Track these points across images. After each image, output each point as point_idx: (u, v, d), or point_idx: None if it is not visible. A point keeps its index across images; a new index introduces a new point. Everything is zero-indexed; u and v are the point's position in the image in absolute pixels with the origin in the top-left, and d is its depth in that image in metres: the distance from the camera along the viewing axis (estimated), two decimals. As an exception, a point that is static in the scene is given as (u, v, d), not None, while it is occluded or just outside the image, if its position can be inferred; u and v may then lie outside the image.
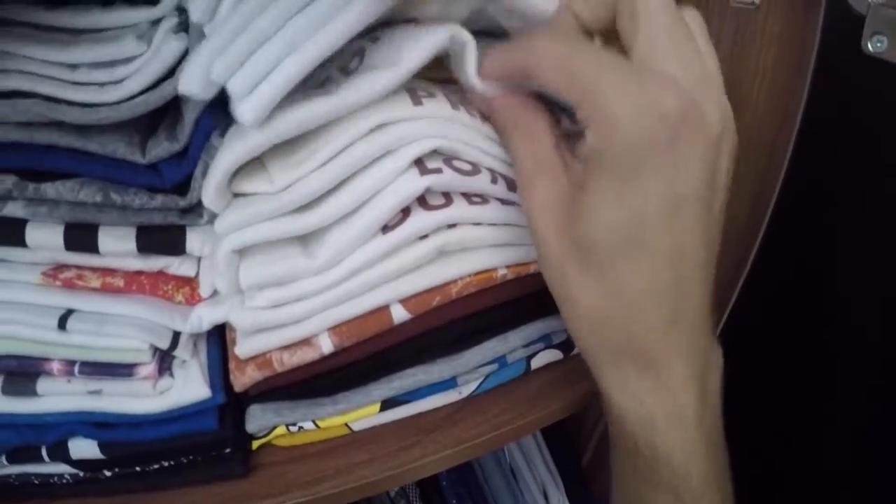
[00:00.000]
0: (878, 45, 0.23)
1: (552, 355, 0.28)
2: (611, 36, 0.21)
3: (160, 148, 0.22)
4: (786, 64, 0.27)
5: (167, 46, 0.21)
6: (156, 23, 0.23)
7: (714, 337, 0.22)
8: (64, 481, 0.27)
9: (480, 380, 0.26)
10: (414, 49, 0.20)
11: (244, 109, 0.19)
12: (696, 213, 0.19)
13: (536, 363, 0.27)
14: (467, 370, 0.25)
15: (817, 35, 0.25)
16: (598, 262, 0.19)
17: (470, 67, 0.21)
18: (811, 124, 0.27)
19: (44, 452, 0.26)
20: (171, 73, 0.22)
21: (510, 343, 0.25)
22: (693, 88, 0.18)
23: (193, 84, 0.19)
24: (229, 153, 0.20)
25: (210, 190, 0.21)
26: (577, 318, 0.20)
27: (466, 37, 0.21)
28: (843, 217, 0.29)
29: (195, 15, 0.20)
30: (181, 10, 0.23)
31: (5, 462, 0.26)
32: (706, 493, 0.21)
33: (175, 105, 0.23)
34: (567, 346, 0.28)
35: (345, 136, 0.20)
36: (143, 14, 0.23)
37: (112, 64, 0.22)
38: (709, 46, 0.21)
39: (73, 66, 0.22)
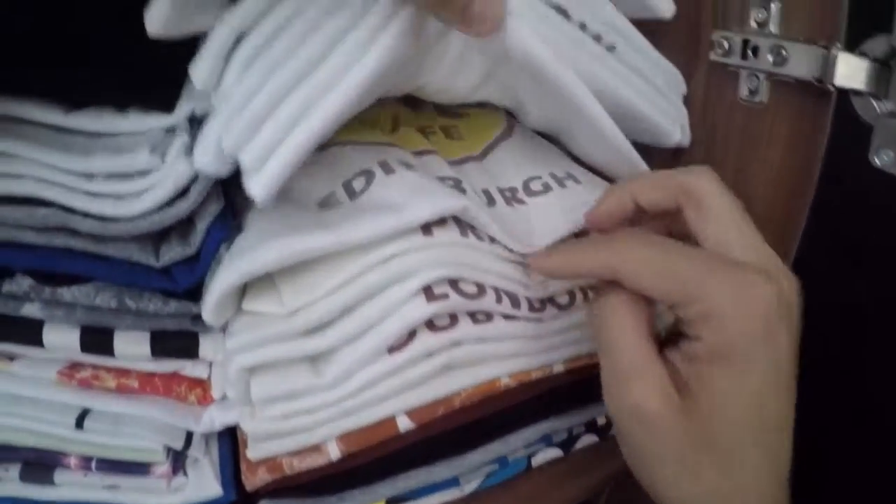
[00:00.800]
0: (886, 158, 0.24)
1: (552, 453, 0.29)
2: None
3: (173, 252, 0.24)
4: (793, 166, 0.28)
5: (180, 168, 0.22)
6: (169, 130, 0.25)
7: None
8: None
9: (482, 478, 0.28)
10: (424, 201, 0.21)
11: (254, 186, 0.20)
12: (790, 371, 0.20)
13: (537, 461, 0.29)
14: (470, 470, 0.27)
15: (824, 140, 0.26)
16: (721, 453, 0.20)
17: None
18: (816, 228, 0.28)
19: (56, 536, 0.28)
20: (184, 192, 0.23)
21: (511, 445, 0.27)
22: (770, 269, 0.20)
23: (207, 160, 0.21)
24: (226, 276, 0.22)
25: (208, 308, 0.22)
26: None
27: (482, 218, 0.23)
28: (843, 317, 0.31)
29: (198, 83, 0.22)
30: (192, 120, 0.25)
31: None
32: None
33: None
34: (567, 444, 0.29)
35: (354, 266, 0.22)
36: (156, 121, 0.24)
37: (127, 176, 0.23)
38: (740, 211, 0.22)
39: (89, 176, 0.23)
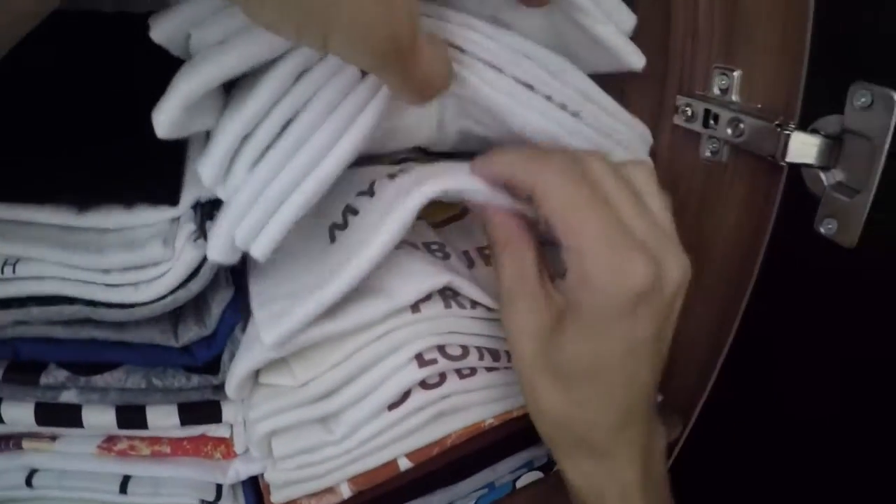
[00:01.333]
0: (829, 227, 0.27)
1: (534, 476, 0.34)
2: None
3: (191, 333, 0.28)
4: (747, 226, 0.31)
5: (189, 254, 0.26)
6: (175, 220, 0.28)
7: (656, 416, 0.27)
8: None
9: (473, 501, 0.33)
10: (410, 285, 0.26)
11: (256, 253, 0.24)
12: (647, 349, 0.24)
13: (521, 483, 0.34)
14: (462, 496, 0.32)
15: (775, 205, 0.29)
16: (563, 382, 0.24)
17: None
18: (765, 285, 0.32)
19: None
20: (194, 274, 0.27)
21: (498, 472, 0.32)
22: (658, 253, 0.23)
23: (219, 253, 0.25)
24: (243, 364, 0.26)
25: (231, 389, 0.27)
26: (542, 418, 0.26)
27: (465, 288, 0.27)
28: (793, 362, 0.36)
29: (206, 181, 0.24)
30: (196, 206, 0.29)
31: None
32: None
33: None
34: (547, 467, 0.35)
35: (354, 343, 0.26)
36: (163, 214, 0.27)
37: (141, 267, 0.26)
38: (659, 199, 0.26)
39: (106, 271, 0.26)
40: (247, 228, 0.24)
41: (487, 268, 0.32)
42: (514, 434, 0.31)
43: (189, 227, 0.27)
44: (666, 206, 0.26)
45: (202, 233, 0.27)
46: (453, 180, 0.24)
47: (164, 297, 0.26)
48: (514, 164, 0.24)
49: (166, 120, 0.22)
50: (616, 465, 0.26)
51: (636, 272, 0.22)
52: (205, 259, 0.27)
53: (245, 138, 0.24)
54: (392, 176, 0.26)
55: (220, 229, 0.24)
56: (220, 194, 0.25)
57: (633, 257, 0.22)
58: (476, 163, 0.25)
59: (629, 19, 0.27)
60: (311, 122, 0.22)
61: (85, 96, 0.28)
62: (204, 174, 0.25)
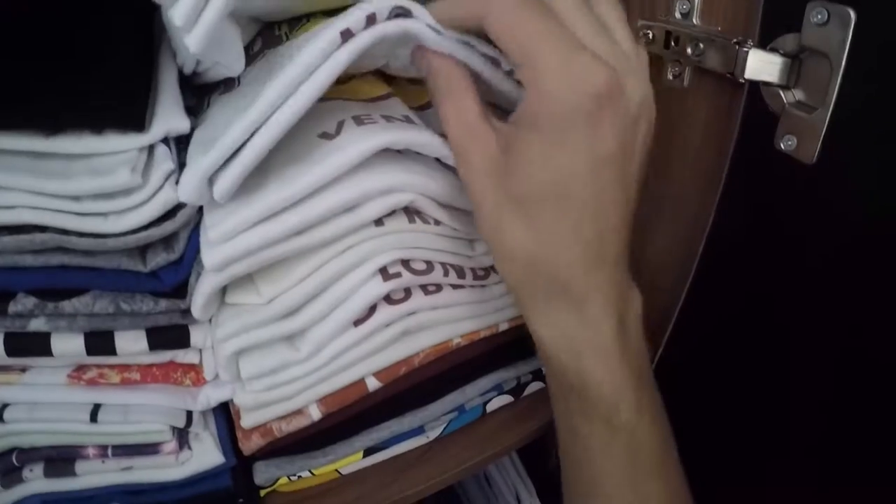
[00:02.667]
0: (789, 143, 0.30)
1: (504, 400, 0.37)
2: None
3: (159, 258, 0.30)
4: (709, 146, 0.34)
5: (167, 195, 0.27)
6: (145, 149, 0.31)
7: (631, 279, 0.28)
8: (99, 536, 0.36)
9: (444, 425, 0.36)
10: (362, 138, 0.27)
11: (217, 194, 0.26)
12: (613, 173, 0.24)
13: (491, 407, 0.37)
14: (433, 419, 0.35)
15: (736, 125, 0.32)
16: (528, 212, 0.24)
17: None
18: (728, 205, 0.34)
19: (82, 517, 0.35)
20: (170, 213, 0.29)
21: (467, 394, 0.35)
22: (619, 67, 0.24)
23: (190, 195, 0.27)
24: (208, 281, 0.28)
25: (197, 309, 0.29)
26: (510, 260, 0.26)
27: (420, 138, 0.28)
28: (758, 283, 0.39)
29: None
30: (171, 142, 0.31)
31: (47, 527, 0.36)
32: (639, 422, 0.27)
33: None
34: (516, 391, 0.37)
35: (318, 258, 0.29)
36: (132, 142, 0.28)
37: (112, 195, 0.29)
38: (623, 27, 0.27)
39: (76, 198, 0.28)
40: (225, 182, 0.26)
41: None
42: (483, 355, 0.34)
43: (167, 165, 0.28)
44: (630, 38, 0.27)
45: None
46: (395, 26, 0.25)
47: (136, 232, 0.28)
48: (459, 6, 0.25)
49: (202, 32, 0.23)
50: (590, 313, 0.26)
51: (593, 75, 0.23)
52: (181, 203, 0.28)
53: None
54: None
55: (193, 173, 0.26)
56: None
57: (589, 63, 0.23)
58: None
59: None
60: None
61: (52, 21, 0.30)
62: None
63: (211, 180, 0.26)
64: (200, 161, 0.26)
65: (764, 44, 0.30)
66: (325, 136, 0.28)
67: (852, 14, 0.26)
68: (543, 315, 0.27)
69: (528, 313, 0.27)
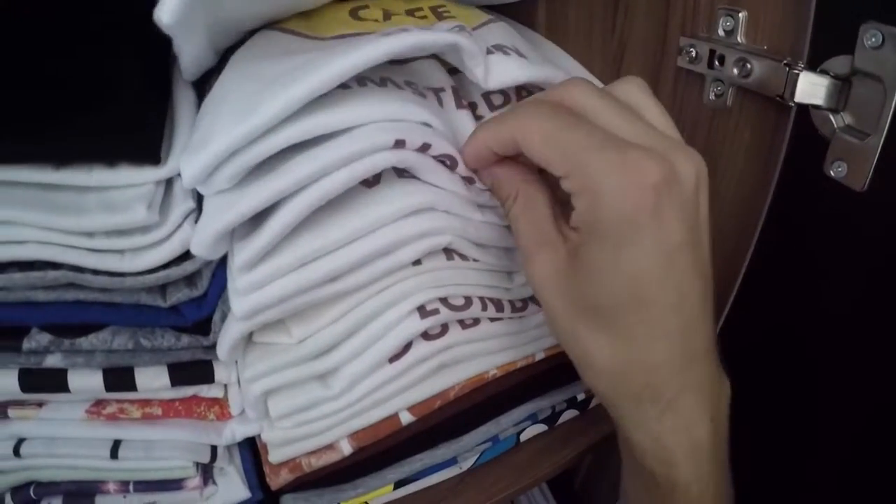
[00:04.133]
0: (839, 170, 0.31)
1: (538, 429, 0.39)
2: None
3: (181, 293, 0.31)
4: (753, 170, 0.35)
5: (186, 234, 0.28)
6: (161, 183, 0.31)
7: (721, 367, 0.28)
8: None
9: (477, 455, 0.38)
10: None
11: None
12: (687, 260, 0.24)
13: (525, 436, 0.39)
14: (466, 450, 0.36)
15: (783, 148, 0.33)
16: (605, 321, 0.25)
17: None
18: (772, 232, 0.35)
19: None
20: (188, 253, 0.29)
21: (502, 424, 0.36)
22: (661, 149, 0.24)
23: (205, 252, 0.28)
24: (235, 329, 0.29)
25: (223, 352, 0.30)
26: (595, 374, 0.27)
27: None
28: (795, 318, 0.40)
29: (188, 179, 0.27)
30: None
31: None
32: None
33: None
34: (551, 419, 0.39)
35: (353, 300, 0.30)
36: (148, 175, 0.29)
37: (127, 232, 0.29)
38: (657, 108, 0.27)
39: (90, 234, 0.29)
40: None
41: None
42: (518, 385, 0.36)
43: (187, 204, 0.29)
44: (664, 113, 0.27)
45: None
46: (442, 147, 0.28)
47: (155, 271, 0.29)
48: (489, 131, 0.27)
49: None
50: (683, 416, 0.27)
51: (645, 167, 0.23)
52: None
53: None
54: None
55: (207, 227, 0.27)
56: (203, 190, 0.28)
57: (638, 158, 0.23)
58: (462, 151, 0.29)
59: None
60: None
61: (61, 48, 0.30)
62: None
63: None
64: (220, 217, 0.26)
65: (813, 65, 0.31)
66: (364, 182, 0.28)
67: None
68: (634, 420, 0.28)
69: (619, 419, 0.28)
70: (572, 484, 0.58)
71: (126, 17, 0.29)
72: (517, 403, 0.37)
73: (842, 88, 0.30)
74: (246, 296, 0.28)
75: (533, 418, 0.38)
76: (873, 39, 0.27)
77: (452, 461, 0.37)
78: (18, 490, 0.35)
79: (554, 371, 0.37)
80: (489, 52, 0.31)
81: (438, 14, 0.35)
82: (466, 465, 0.38)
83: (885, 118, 0.28)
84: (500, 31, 0.34)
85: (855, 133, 0.30)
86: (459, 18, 0.35)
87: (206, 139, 0.25)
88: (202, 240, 0.27)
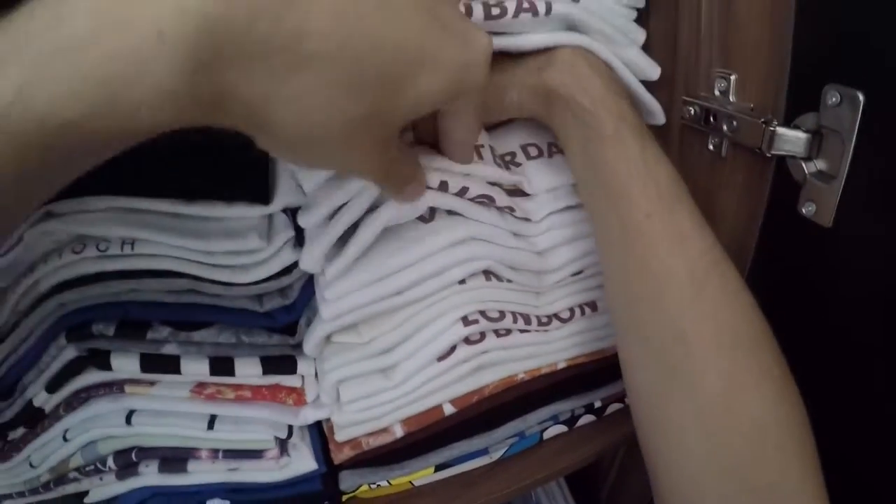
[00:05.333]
0: (810, 209, 0.40)
1: (559, 429, 0.49)
2: None
3: (275, 302, 0.42)
4: (745, 210, 0.45)
5: (287, 256, 0.40)
6: (265, 217, 0.42)
7: None
8: (198, 528, 0.49)
9: (506, 448, 0.48)
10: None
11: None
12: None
13: (547, 435, 0.49)
14: (497, 442, 0.47)
15: (767, 190, 0.43)
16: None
17: None
18: (759, 265, 0.45)
19: (186, 509, 0.48)
20: (288, 270, 0.41)
21: (528, 422, 0.47)
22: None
23: (312, 267, 0.40)
24: (321, 329, 0.41)
25: (309, 347, 0.41)
26: None
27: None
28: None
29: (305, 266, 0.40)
30: (289, 212, 0.42)
31: (153, 518, 0.49)
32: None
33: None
34: (570, 422, 0.49)
35: (411, 309, 0.41)
36: (257, 211, 0.41)
37: (239, 253, 0.40)
38: None
39: (210, 253, 0.40)
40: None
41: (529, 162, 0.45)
42: (543, 389, 0.46)
43: (288, 232, 0.41)
44: None
45: (299, 240, 0.41)
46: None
47: (258, 283, 0.40)
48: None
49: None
50: None
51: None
52: (296, 262, 0.41)
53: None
54: None
55: (314, 249, 0.39)
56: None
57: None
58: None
59: (641, 35, 0.41)
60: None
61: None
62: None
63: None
64: (320, 240, 0.38)
65: (790, 118, 0.40)
66: (422, 219, 0.40)
67: (861, 97, 0.35)
68: None
69: None
70: (597, 498, 0.67)
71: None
72: (541, 405, 0.47)
73: (814, 140, 0.39)
74: (332, 303, 0.39)
75: (555, 419, 0.48)
76: (833, 99, 0.37)
77: (484, 451, 0.47)
78: (121, 453, 0.45)
79: (574, 379, 0.47)
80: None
81: None
82: (496, 455, 0.48)
83: (844, 165, 0.37)
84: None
85: (823, 177, 0.39)
86: None
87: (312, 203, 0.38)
88: (311, 256, 0.38)
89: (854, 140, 0.37)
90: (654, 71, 0.44)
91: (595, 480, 0.71)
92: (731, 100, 0.44)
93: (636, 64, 0.43)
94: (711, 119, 0.45)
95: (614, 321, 0.41)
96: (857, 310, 0.42)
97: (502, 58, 0.40)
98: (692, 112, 0.46)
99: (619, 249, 0.39)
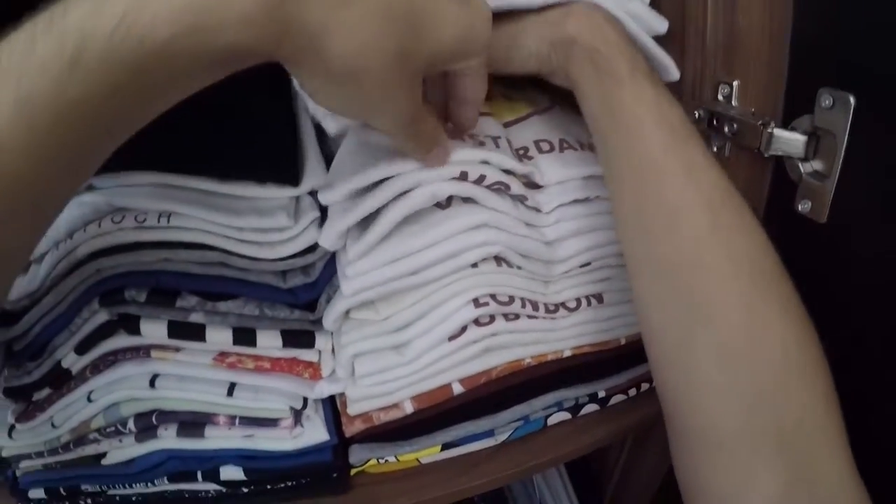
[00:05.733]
0: (805, 206, 0.44)
1: (563, 416, 0.52)
2: None
3: (297, 279, 0.46)
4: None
5: (311, 235, 0.43)
6: (293, 198, 0.45)
7: None
8: (209, 495, 0.52)
9: (510, 431, 0.51)
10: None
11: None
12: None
13: (551, 421, 0.52)
14: (502, 425, 0.50)
15: (765, 190, 0.47)
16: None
17: None
18: None
19: (199, 475, 0.51)
20: (312, 248, 0.45)
21: (533, 407, 0.50)
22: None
23: (331, 245, 0.43)
24: (341, 304, 0.44)
25: (330, 321, 0.45)
26: None
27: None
28: None
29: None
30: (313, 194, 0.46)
31: (166, 482, 0.52)
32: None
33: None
34: (574, 409, 0.52)
35: (427, 289, 0.44)
36: (286, 192, 0.44)
37: (268, 230, 0.44)
38: None
39: (241, 229, 0.43)
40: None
41: (541, 156, 0.48)
42: (548, 376, 0.49)
43: (314, 213, 0.45)
44: None
45: (324, 221, 0.45)
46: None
47: (283, 260, 0.44)
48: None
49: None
50: None
51: None
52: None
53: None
54: None
55: (328, 229, 0.43)
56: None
57: None
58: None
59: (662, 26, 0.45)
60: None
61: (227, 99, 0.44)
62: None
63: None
64: (340, 221, 0.42)
65: (788, 121, 0.44)
66: (439, 205, 0.43)
67: (852, 99, 0.39)
68: None
69: None
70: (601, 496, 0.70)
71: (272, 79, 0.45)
72: (547, 391, 0.50)
73: (810, 141, 0.43)
74: (353, 279, 0.43)
75: (559, 406, 0.52)
76: (827, 102, 0.41)
77: (490, 433, 0.51)
78: (142, 416, 0.49)
79: (579, 368, 0.50)
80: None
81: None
82: (501, 438, 0.51)
83: (836, 164, 0.41)
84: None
85: (818, 176, 0.43)
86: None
87: (333, 182, 0.42)
88: (330, 235, 0.42)
89: (846, 140, 0.41)
90: (661, 25, 0.48)
91: (599, 482, 0.74)
92: (733, 104, 0.48)
93: (643, 18, 0.46)
94: (715, 122, 0.49)
95: (629, 263, 0.42)
96: (852, 298, 0.45)
97: (521, 14, 0.44)
98: (697, 116, 0.50)
99: (633, 185, 0.41)
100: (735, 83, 0.48)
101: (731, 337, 0.37)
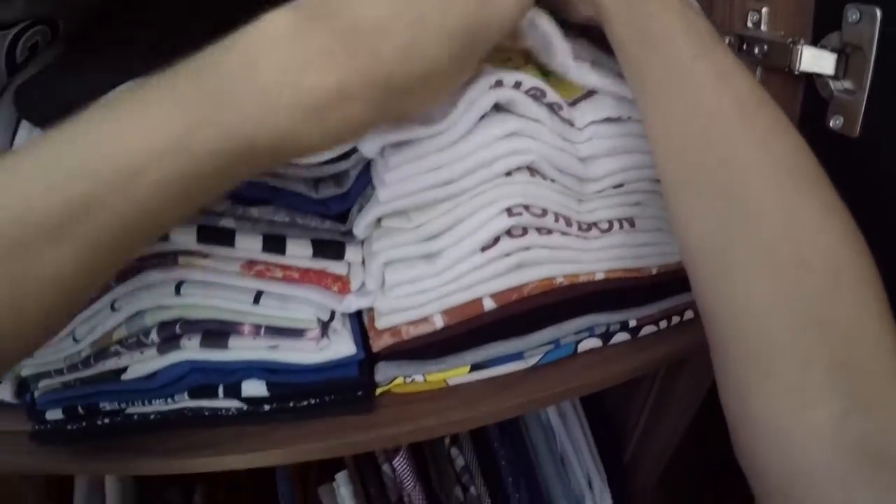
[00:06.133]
0: (837, 122, 0.46)
1: (593, 343, 0.52)
2: None
3: (329, 190, 0.46)
4: None
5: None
6: None
7: None
8: (230, 413, 0.53)
9: (540, 355, 0.51)
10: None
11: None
12: None
13: (582, 347, 0.52)
14: (532, 347, 0.50)
15: (797, 110, 0.48)
16: None
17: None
18: None
19: (220, 391, 0.52)
20: (347, 155, 0.45)
21: (564, 330, 0.50)
22: None
23: (370, 153, 0.44)
24: (375, 210, 0.45)
25: (361, 228, 0.45)
26: None
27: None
28: None
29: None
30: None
31: (186, 397, 0.53)
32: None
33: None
34: (605, 337, 0.52)
35: (460, 198, 0.45)
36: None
37: None
38: None
39: None
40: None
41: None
42: (580, 297, 0.49)
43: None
44: None
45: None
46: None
47: (318, 166, 0.45)
48: None
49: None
50: None
51: None
52: (354, 148, 0.45)
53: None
54: None
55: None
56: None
57: None
58: None
59: None
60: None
61: None
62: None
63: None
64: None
65: (814, 42, 0.46)
66: None
67: (878, 12, 0.41)
68: None
69: None
70: (621, 460, 0.70)
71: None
72: (578, 314, 0.50)
73: (840, 59, 0.45)
74: (391, 186, 0.43)
75: (590, 331, 0.52)
76: (854, 17, 0.42)
77: (520, 356, 0.51)
78: (166, 325, 0.49)
79: (611, 293, 0.50)
80: None
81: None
82: (531, 361, 0.51)
83: (866, 78, 0.43)
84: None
85: (848, 92, 0.45)
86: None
87: None
88: (374, 144, 0.42)
89: (874, 53, 0.42)
90: None
91: (619, 441, 0.74)
92: (763, 29, 0.50)
93: None
94: (745, 46, 0.50)
95: (664, 180, 0.42)
96: (887, 211, 0.46)
97: None
98: (728, 42, 0.52)
99: (664, 94, 0.41)
100: (764, 10, 0.49)
101: (774, 239, 0.37)
